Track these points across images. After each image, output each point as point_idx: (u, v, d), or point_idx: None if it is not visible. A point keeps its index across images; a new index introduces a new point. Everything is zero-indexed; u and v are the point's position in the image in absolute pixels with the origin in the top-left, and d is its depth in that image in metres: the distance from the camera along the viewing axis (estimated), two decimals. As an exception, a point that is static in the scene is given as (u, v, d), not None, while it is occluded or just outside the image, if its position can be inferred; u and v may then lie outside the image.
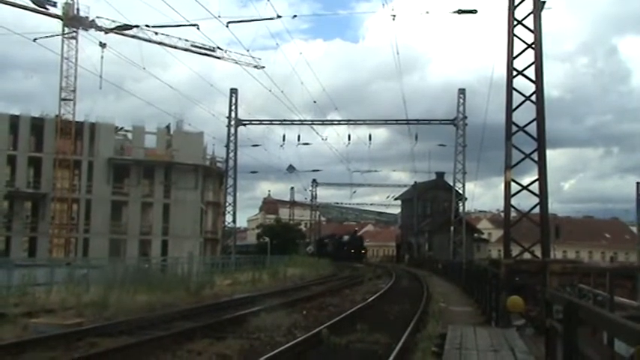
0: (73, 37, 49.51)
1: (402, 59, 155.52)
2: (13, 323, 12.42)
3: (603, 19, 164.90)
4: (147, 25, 44.67)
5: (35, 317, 13.13)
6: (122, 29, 44.12)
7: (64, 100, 51.03)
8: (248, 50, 53.07)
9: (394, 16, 32.42)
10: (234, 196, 57.13)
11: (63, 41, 49.07)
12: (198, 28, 36.11)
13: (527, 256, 16.41)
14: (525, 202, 16.70)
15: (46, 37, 42.60)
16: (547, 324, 5.90)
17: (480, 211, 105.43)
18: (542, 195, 14.65)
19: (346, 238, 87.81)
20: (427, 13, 62.54)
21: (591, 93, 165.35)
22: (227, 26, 30.52)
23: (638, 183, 57.12)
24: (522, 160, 15.11)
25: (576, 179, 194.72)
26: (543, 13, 15.54)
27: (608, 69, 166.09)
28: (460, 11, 31.12)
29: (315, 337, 11.74)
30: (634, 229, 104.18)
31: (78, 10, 48.57)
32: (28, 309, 14.38)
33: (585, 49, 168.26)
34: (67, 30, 48.87)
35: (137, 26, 44.19)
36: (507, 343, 9.95)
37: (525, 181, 15.71)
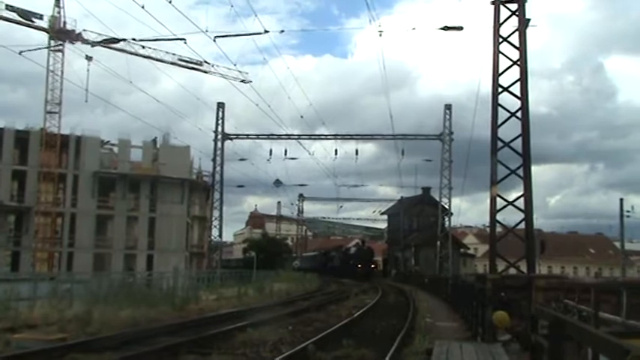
0: (59, 50, 49.40)
1: (392, 75, 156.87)
2: (-6, 339, 12.23)
3: (589, 38, 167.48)
4: (133, 39, 44.69)
5: (18, 332, 12.94)
6: (109, 42, 44.09)
7: (50, 112, 50.77)
8: (235, 65, 53.14)
9: (381, 32, 32.73)
10: (221, 210, 56.98)
11: (49, 54, 48.97)
12: (185, 42, 36.12)
13: (513, 271, 16.49)
14: (511, 217, 16.84)
15: (32, 49, 42.47)
16: (532, 339, 5.92)
17: (467, 226, 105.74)
18: (528, 210, 14.75)
19: (353, 250, 73.78)
20: (414, 29, 63.29)
21: (577, 110, 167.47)
22: (214, 40, 30.58)
23: (621, 199, 57.82)
24: (508, 175, 15.23)
25: (562, 195, 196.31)
26: (529, 31, 15.75)
27: (594, 86, 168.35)
28: (446, 28, 31.39)
29: (301, 352, 11.67)
30: (618, 244, 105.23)
31: (65, 23, 48.51)
32: (10, 324, 14.15)
33: (572, 66, 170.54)
34: (53, 43, 48.73)
35: (124, 40, 44.18)
36: (493, 359, 9.94)
37: (511, 197, 15.86)
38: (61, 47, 49.10)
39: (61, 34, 48.45)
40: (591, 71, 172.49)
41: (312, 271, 72.00)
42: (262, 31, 30.29)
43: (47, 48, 48.18)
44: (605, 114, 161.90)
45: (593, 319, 6.69)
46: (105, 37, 44.06)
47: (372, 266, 67.82)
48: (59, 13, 48.11)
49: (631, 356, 2.41)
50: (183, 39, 35.71)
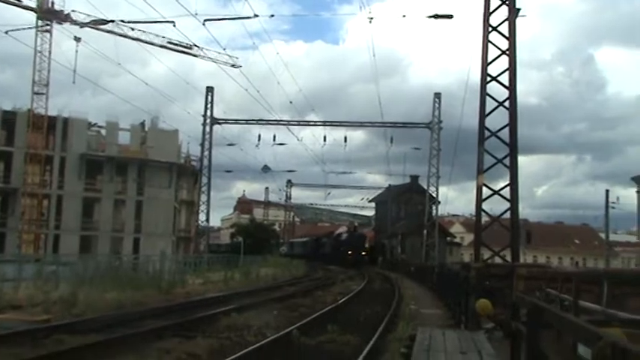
0: (47, 31, 48.85)
1: (382, 62, 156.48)
2: (-22, 319, 12.21)
3: (580, 29, 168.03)
4: (122, 21, 44.29)
5: (2, 313, 12.92)
6: (97, 24, 43.64)
7: (37, 94, 50.29)
8: (224, 49, 52.87)
9: (371, 18, 32.67)
10: (208, 195, 56.94)
11: (36, 34, 48.40)
12: (174, 25, 35.94)
13: (499, 260, 16.63)
14: (498, 206, 16.95)
15: (19, 29, 41.92)
16: (513, 327, 6.00)
17: (454, 215, 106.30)
18: (513, 200, 14.87)
19: (344, 236, 70.66)
20: (404, 16, 62.90)
21: (567, 101, 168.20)
22: (204, 24, 30.38)
23: (607, 190, 58.33)
24: (494, 165, 15.33)
25: (549, 185, 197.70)
26: (519, 21, 15.80)
27: (584, 78, 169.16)
28: (436, 16, 31.39)
29: (285, 337, 11.74)
30: (603, 235, 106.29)
31: (53, 3, 47.92)
32: (-6, 305, 14.14)
33: (562, 57, 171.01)
34: (41, 23, 48.17)
35: (112, 21, 43.75)
36: (475, 346, 10.04)
37: (498, 187, 15.97)
38: (48, 27, 48.55)
39: (49, 14, 47.90)
40: (581, 63, 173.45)
41: (302, 257, 71.68)
42: (252, 15, 30.02)
43: (34, 28, 47.60)
44: (594, 106, 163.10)
45: (573, 307, 6.79)
46: (93, 18, 43.58)
47: (364, 253, 64.00)
48: (48, -8, 47.52)
49: (603, 342, 2.47)
50: (172, 22, 35.55)
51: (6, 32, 38.62)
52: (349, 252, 61.79)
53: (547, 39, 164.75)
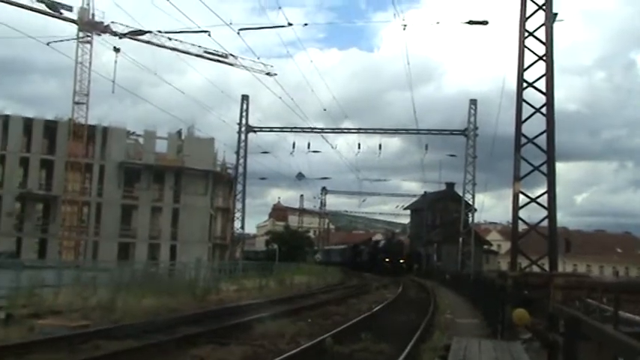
0: (87, 42, 50.00)
1: (418, 69, 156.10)
2: (19, 324, 12.49)
3: (621, 34, 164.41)
4: (159, 31, 45.03)
5: (42, 319, 13.17)
6: (135, 34, 44.47)
7: (77, 103, 51.47)
8: (258, 57, 53.18)
9: (405, 25, 32.57)
10: (243, 202, 57.16)
11: (77, 45, 49.59)
12: (209, 35, 36.34)
13: (537, 269, 16.29)
14: (536, 214, 16.61)
15: (60, 40, 42.97)
16: (550, 338, 5.86)
17: (491, 223, 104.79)
18: (551, 208, 14.57)
19: (382, 243, 69.15)
20: (438, 23, 62.84)
21: (608, 107, 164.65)
22: (238, 33, 30.66)
23: (650, 198, 56.74)
24: (531, 172, 15.05)
25: (589, 192, 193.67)
26: (559, 26, 15.54)
27: (625, 83, 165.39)
28: (471, 22, 31.10)
29: (318, 345, 11.70)
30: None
31: (93, 15, 49.05)
32: (35, 310, 14.45)
33: (603, 63, 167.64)
34: (81, 34, 49.32)
35: (150, 32, 44.55)
36: (512, 357, 9.84)
37: (536, 194, 15.65)
38: (89, 39, 49.68)
39: (89, 25, 49.03)
40: (623, 68, 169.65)
41: (339, 265, 70.76)
42: (286, 24, 30.21)
43: (75, 39, 48.76)
44: (635, 111, 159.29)
45: (613, 318, 6.60)
46: (132, 29, 44.43)
47: (402, 261, 62.09)
48: (88, 4, 48.71)
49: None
50: (207, 31, 35.95)
51: (47, 44, 39.71)
52: (387, 260, 60.83)
53: (588, 44, 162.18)
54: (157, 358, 9.89)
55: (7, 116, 54.47)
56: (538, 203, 15.16)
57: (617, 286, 6.81)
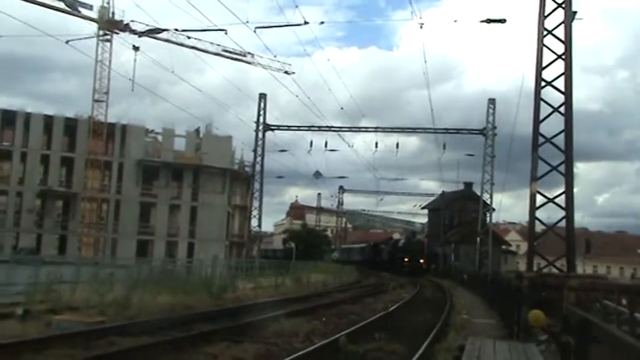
0: (107, 40, 50.45)
1: (437, 68, 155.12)
2: (37, 319, 12.64)
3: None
4: (176, 29, 45.28)
5: (59, 314, 13.31)
6: (154, 33, 44.78)
7: (97, 101, 51.99)
8: (275, 56, 53.28)
9: (422, 24, 32.44)
10: (260, 200, 57.34)
11: (97, 44, 50.08)
12: (226, 33, 36.47)
13: (556, 270, 16.13)
14: (555, 214, 16.42)
15: (80, 39, 43.38)
16: (563, 339, 5.79)
17: (510, 223, 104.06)
18: (569, 208, 14.41)
19: (402, 242, 67.56)
20: (455, 21, 62.54)
21: (630, 107, 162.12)
22: (255, 31, 30.73)
23: (672, 199, 55.90)
24: (548, 172, 14.90)
25: (610, 193, 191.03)
26: (580, 25, 15.39)
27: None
28: (489, 20, 30.88)
29: (332, 344, 11.68)
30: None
31: (113, 13, 49.49)
32: (52, 306, 14.59)
33: (625, 62, 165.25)
34: (101, 33, 49.78)
35: (167, 30, 44.84)
36: (526, 358, 9.76)
37: (555, 194, 15.48)
38: (108, 37, 50.11)
39: (109, 24, 49.46)
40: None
41: (359, 264, 70.29)
42: (302, 22, 30.22)
43: (94, 37, 49.25)
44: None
45: (629, 321, 6.50)
46: (150, 28, 44.74)
47: (422, 261, 60.78)
48: (108, 3, 49.14)
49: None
50: (224, 30, 36.06)
51: (67, 42, 40.09)
52: (406, 259, 59.66)
53: (610, 43, 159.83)
54: (170, 355, 9.94)
55: (28, 114, 55.14)
56: (555, 203, 15.01)
57: (631, 288, 6.70)
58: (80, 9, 46.40)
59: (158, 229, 58.22)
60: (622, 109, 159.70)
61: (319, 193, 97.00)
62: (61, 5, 44.61)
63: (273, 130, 55.79)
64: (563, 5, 15.45)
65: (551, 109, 15.29)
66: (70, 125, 55.85)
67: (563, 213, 15.10)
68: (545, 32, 15.40)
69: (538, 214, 15.53)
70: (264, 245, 79.62)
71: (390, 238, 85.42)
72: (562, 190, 15.25)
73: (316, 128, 53.85)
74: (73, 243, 53.50)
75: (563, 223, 15.32)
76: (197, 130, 61.42)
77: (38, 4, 43.07)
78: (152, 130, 61.15)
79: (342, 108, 52.29)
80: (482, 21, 31.30)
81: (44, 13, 53.66)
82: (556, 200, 15.18)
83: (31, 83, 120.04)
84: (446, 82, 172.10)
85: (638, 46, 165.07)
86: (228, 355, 10.33)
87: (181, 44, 46.96)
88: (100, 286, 18.37)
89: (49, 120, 55.52)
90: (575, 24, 15.60)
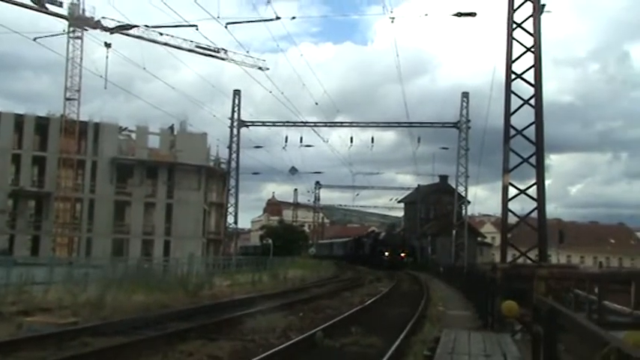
0: (78, 37, 49.73)
1: (412, 63, 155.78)
2: (7, 321, 12.42)
3: (615, 26, 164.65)
4: (146, 26, 44.84)
5: (30, 316, 13.11)
6: (125, 29, 44.27)
7: (69, 99, 51.29)
8: (247, 51, 53.08)
9: (393, 18, 32.68)
10: (236, 197, 57.11)
11: (68, 41, 49.33)
12: (197, 29, 36.32)
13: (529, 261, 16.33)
14: (529, 206, 16.61)
15: (47, 36, 42.58)
16: (533, 329, 5.86)
17: (485, 215, 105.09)
18: (540, 199, 14.59)
19: (382, 235, 65.57)
20: (426, 15, 63.06)
21: (602, 98, 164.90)
22: (226, 27, 30.59)
23: (643, 188, 57.01)
24: (520, 164, 15.07)
25: (583, 184, 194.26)
26: (551, 18, 15.57)
27: (619, 75, 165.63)
28: (459, 14, 31.13)
29: (309, 339, 11.69)
30: (639, 234, 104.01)
31: (84, 10, 48.79)
32: (24, 307, 14.37)
33: (597, 55, 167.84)
34: (72, 30, 49.04)
35: (137, 26, 44.38)
36: (500, 349, 9.88)
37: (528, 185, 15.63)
38: (79, 34, 49.40)
39: (79, 21, 48.77)
40: (617, 59, 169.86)
41: (342, 259, 69.95)
42: (274, 17, 30.14)
43: (65, 34, 48.45)
44: (629, 103, 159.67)
45: (598, 309, 6.61)
46: (120, 24, 44.22)
47: (403, 254, 58.79)
48: (78, 0, 48.38)
49: (609, 348, 2.36)
50: (195, 25, 35.85)
51: (34, 39, 39.31)
52: (386, 253, 58.11)
53: (581, 36, 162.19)
54: (145, 354, 9.83)
55: (-2, 113, 54.12)
56: (527, 195, 15.19)
57: (599, 276, 6.81)
58: (48, 5, 45.56)
59: (133, 228, 57.68)
60: (594, 101, 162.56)
61: (296, 189, 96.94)
62: (27, 2, 43.79)
63: (247, 126, 55.57)
64: (532, -1, 15.60)
65: (521, 102, 15.43)
66: (42, 124, 54.96)
67: (535, 204, 15.29)
68: (514, 25, 15.55)
69: (512, 205, 15.71)
70: (241, 242, 79.31)
71: (372, 231, 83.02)
72: (534, 181, 15.43)
73: (291, 124, 53.80)
74: (46, 243, 52.70)
75: (535, 214, 15.50)
76: (171, 128, 60.98)
77: (4, 1, 42.26)
78: (126, 128, 60.51)
79: (316, 103, 52.69)
80: (454, 14, 31.53)
81: (15, 12, 52.72)
82: (528, 192, 15.35)
83: (0, 81, 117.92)
84: (420, 76, 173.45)
85: (609, 38, 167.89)
86: (203, 352, 10.25)
87: (154, 41, 46.55)
88: (73, 287, 18.20)
89: (19, 119, 54.54)
90: (545, 17, 15.78)
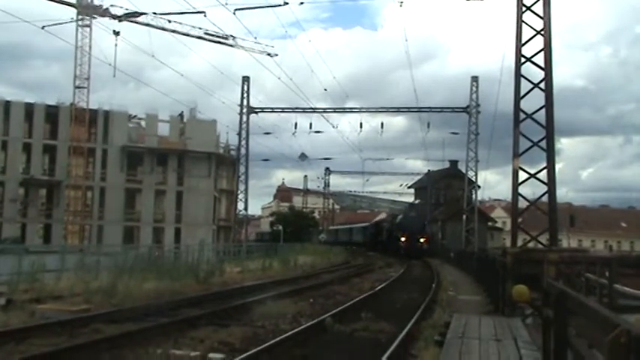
0: (86, 25, 49.76)
1: (422, 48, 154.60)
2: (20, 309, 12.52)
3: (627, 9, 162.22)
4: (154, 13, 44.69)
5: (43, 303, 13.21)
6: (133, 16, 44.17)
7: (79, 87, 51.44)
8: (255, 37, 52.88)
9: (401, 2, 32.35)
10: (246, 183, 57.02)
11: (77, 29, 49.39)
12: (205, 15, 36.20)
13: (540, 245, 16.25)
14: (540, 190, 16.51)
15: (56, 24, 42.53)
16: (544, 313, 5.83)
17: (495, 200, 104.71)
18: (551, 183, 14.49)
19: (400, 217, 57.43)
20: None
21: (614, 82, 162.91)
22: (234, 13, 30.45)
23: (655, 172, 56.49)
24: (530, 148, 14.96)
25: (595, 168, 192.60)
26: (562, 2, 15.36)
27: (631, 58, 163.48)
28: (468, -3, 30.82)
29: (319, 325, 11.73)
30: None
31: (92, -2, 48.72)
32: (36, 295, 14.49)
33: (609, 38, 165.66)
34: (80, 18, 49.04)
35: (145, 13, 44.25)
36: (511, 333, 9.87)
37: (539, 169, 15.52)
38: (87, 22, 49.41)
39: (88, 8, 48.73)
40: (629, 43, 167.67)
41: (361, 246, 66.73)
42: (282, 3, 29.97)
43: (72, 22, 48.45)
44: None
45: (608, 292, 6.56)
46: (128, 11, 44.13)
47: (423, 240, 52.09)
48: (87, -13, 48.34)
49: (618, 330, 2.33)
50: (203, 12, 35.70)
51: (42, 27, 39.32)
52: (402, 239, 51.29)
53: (593, 19, 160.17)
54: (156, 341, 9.88)
55: (8, 102, 54.35)
56: (537, 179, 15.09)
57: (609, 260, 6.76)
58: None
59: (144, 215, 57.99)
60: (606, 85, 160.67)
61: (305, 175, 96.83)
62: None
63: (257, 112, 55.38)
64: (542, -20, 15.40)
65: (532, 86, 15.29)
66: (52, 113, 55.19)
67: (546, 188, 15.19)
68: (524, 8, 15.36)
69: (523, 190, 15.64)
70: (252, 228, 79.47)
71: (390, 215, 76.05)
72: (544, 165, 15.32)
73: (300, 110, 53.54)
74: (58, 231, 53.13)
75: (546, 198, 15.41)
76: (181, 115, 61.02)
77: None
78: (135, 116, 60.67)
79: (325, 89, 52.06)
80: (462, -2, 31.24)
81: (25, 1, 52.65)
82: (538, 176, 15.25)
83: (11, 71, 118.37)
84: (430, 61, 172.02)
85: (622, 22, 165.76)
86: (214, 338, 10.30)
87: (162, 28, 46.33)
88: (85, 274, 18.32)
89: (29, 108, 54.79)
90: (554, 0, 15.58)
